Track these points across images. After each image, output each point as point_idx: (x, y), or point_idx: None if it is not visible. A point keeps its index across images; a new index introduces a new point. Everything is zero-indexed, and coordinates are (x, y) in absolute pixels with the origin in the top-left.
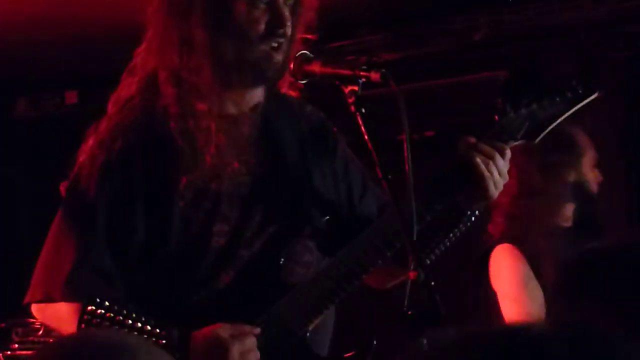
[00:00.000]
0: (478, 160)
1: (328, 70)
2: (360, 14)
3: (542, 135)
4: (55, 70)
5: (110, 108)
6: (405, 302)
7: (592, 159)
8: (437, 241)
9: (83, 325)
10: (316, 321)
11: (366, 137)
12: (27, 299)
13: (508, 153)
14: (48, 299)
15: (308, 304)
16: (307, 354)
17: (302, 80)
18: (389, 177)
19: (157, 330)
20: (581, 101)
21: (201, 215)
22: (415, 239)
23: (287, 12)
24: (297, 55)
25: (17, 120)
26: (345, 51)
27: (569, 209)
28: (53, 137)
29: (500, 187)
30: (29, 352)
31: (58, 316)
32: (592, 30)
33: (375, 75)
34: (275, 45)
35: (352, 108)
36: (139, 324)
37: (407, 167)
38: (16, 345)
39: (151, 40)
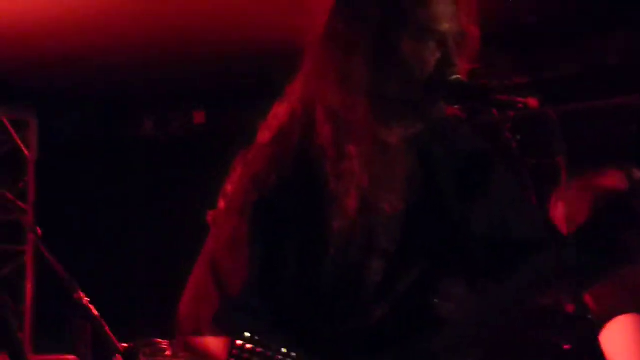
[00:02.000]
0: None
1: (484, 95)
2: (489, 36)
3: None
4: (183, 90)
5: (260, 136)
6: (561, 336)
7: None
8: (599, 274)
9: None
10: (472, 359)
11: (522, 163)
12: (173, 331)
13: None
14: (197, 332)
15: (464, 341)
16: None
17: (456, 105)
18: (543, 203)
19: None
20: None
21: (356, 251)
22: (570, 270)
23: (455, 49)
24: (451, 79)
25: (145, 139)
26: (474, 74)
27: None
28: (181, 157)
29: None
30: None
31: (206, 349)
32: None
33: (533, 101)
34: (442, 87)
35: (508, 134)
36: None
37: (562, 188)
38: None
39: (309, 72)
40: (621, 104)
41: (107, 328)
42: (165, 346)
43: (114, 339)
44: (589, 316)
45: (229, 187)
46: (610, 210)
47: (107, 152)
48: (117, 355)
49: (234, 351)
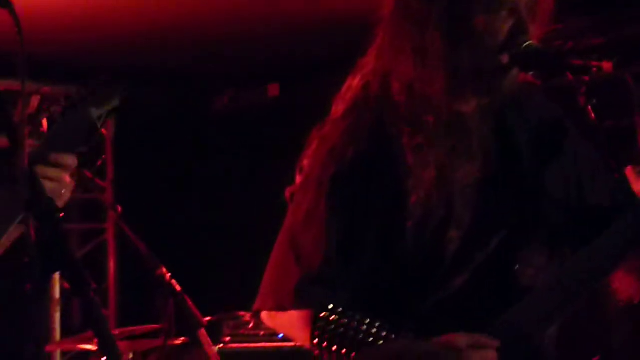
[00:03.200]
0: None
1: (559, 60)
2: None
3: None
4: (257, 63)
5: (335, 110)
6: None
7: None
8: None
9: (317, 332)
10: (554, 327)
11: (599, 127)
12: (257, 306)
13: None
14: (279, 307)
15: (545, 309)
16: None
17: (530, 72)
18: (623, 167)
19: (393, 336)
20: None
21: (434, 222)
22: None
23: (527, 17)
24: (525, 46)
25: (220, 114)
26: (550, 38)
27: None
28: (256, 131)
29: None
30: (241, 344)
31: (289, 323)
32: None
33: (607, 64)
34: (515, 53)
35: (582, 99)
36: (374, 330)
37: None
38: (228, 338)
39: (382, 45)
40: None
41: (190, 303)
42: (249, 319)
43: (197, 313)
44: None
45: (305, 162)
46: None
47: (183, 127)
48: (201, 329)
49: (319, 324)
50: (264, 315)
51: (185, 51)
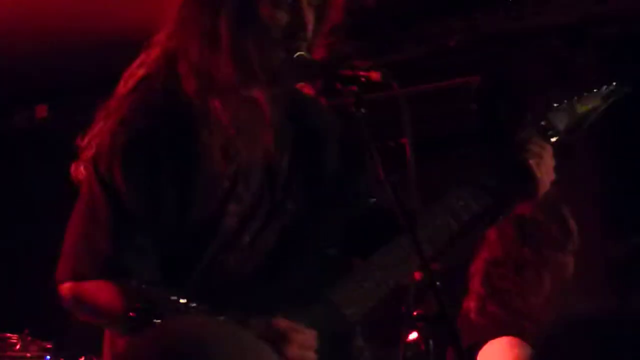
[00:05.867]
0: (531, 160)
1: (328, 70)
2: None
3: (579, 131)
4: (25, 84)
5: (122, 85)
6: (410, 303)
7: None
8: (466, 239)
9: (125, 304)
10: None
11: (366, 138)
12: (60, 277)
13: (551, 151)
14: (83, 276)
15: (357, 295)
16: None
17: (302, 82)
18: (391, 177)
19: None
20: (615, 96)
21: (219, 195)
22: (418, 239)
23: (309, 14)
24: (295, 56)
25: None
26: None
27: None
28: (24, 152)
29: (547, 186)
30: None
31: (92, 294)
32: (564, 34)
33: (375, 75)
34: (294, 47)
35: (352, 109)
36: (180, 302)
37: (409, 169)
38: None
39: (176, 24)
40: (460, 84)
41: None
42: (15, 340)
43: None
44: (438, 283)
45: (89, 140)
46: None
47: None
48: None
49: (128, 295)
50: (65, 287)
51: None
